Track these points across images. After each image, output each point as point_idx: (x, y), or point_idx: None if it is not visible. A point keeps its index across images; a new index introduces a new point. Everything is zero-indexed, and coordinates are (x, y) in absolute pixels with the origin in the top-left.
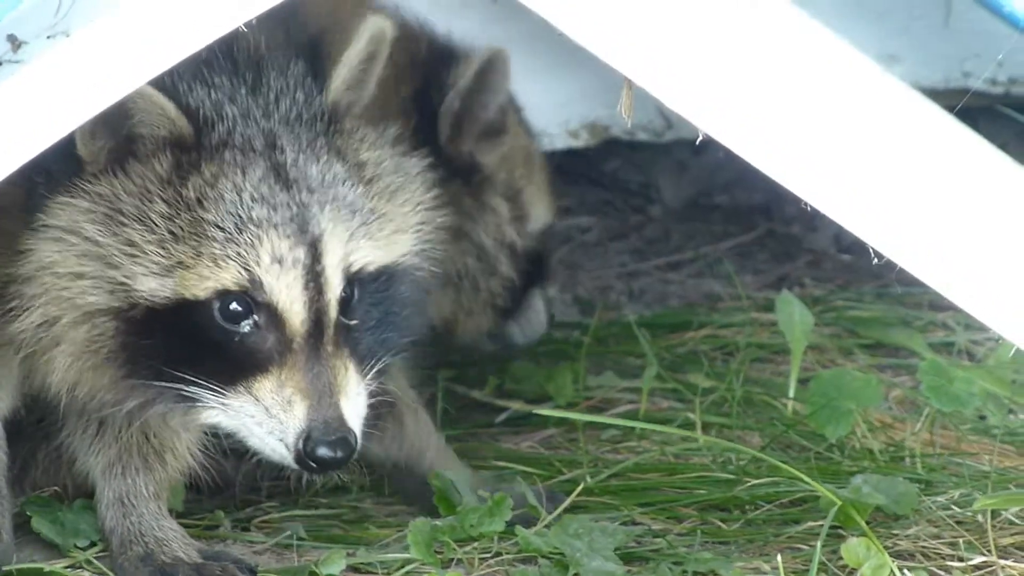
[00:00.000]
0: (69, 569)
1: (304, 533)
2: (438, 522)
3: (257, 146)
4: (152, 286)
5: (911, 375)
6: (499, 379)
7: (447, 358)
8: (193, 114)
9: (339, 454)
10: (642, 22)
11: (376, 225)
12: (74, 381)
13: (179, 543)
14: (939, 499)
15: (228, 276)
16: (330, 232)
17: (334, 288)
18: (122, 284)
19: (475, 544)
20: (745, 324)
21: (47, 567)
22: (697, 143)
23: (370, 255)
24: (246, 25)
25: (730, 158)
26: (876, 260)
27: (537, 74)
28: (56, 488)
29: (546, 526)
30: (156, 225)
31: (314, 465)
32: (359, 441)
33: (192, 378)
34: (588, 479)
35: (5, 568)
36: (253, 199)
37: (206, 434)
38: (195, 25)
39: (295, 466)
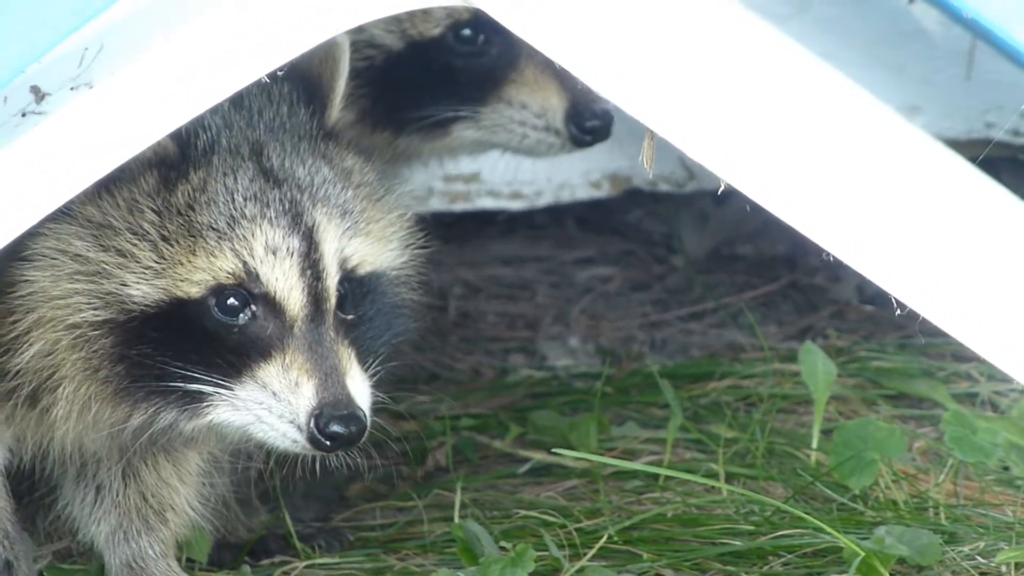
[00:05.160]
0: None
1: None
2: (460, 573)
3: (244, 152)
4: (145, 290)
5: (934, 426)
6: (521, 429)
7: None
8: (175, 132)
9: (352, 429)
10: (665, 74)
11: (366, 227)
12: (78, 413)
13: None
14: (963, 550)
15: (222, 270)
16: (324, 224)
17: (332, 276)
18: (114, 294)
19: None
20: (768, 375)
21: None
22: (719, 194)
23: (362, 255)
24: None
25: (753, 209)
26: (899, 311)
27: None
28: (66, 544)
29: None
30: (147, 232)
31: (327, 443)
32: (369, 420)
33: (198, 374)
34: (611, 529)
35: None
36: (245, 198)
37: (204, 484)
38: (216, 76)
39: (308, 446)
